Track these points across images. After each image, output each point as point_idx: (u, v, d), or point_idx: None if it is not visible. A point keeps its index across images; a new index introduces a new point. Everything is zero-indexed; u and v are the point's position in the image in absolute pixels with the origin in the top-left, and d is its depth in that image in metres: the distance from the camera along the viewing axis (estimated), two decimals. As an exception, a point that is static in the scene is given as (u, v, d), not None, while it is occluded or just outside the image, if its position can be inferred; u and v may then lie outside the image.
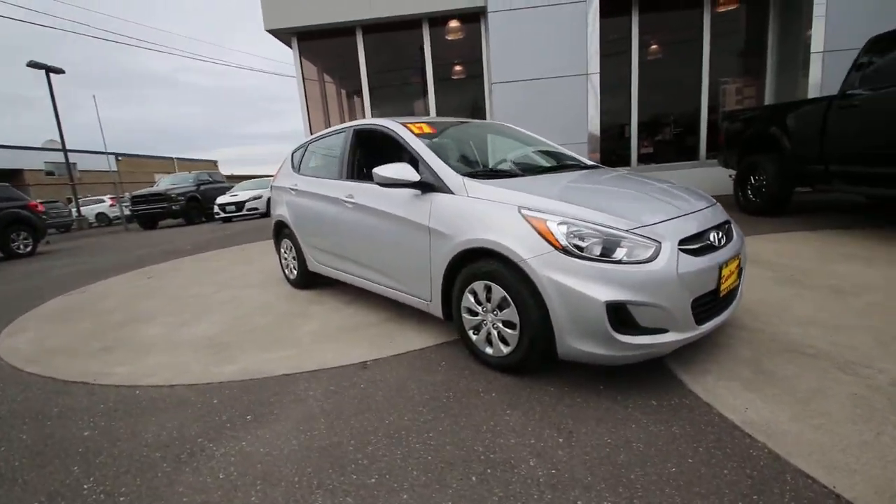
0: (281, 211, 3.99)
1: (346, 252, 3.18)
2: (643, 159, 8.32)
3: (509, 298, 1.99)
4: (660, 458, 1.48)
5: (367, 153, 3.29)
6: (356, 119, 4.14)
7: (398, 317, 3.05)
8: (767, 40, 7.80)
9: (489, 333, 2.16)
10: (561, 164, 3.01)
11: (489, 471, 1.49)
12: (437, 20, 7.98)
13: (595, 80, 7.26)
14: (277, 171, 4.27)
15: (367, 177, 2.75)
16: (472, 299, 2.19)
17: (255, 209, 13.19)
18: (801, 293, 2.81)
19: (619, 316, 1.75)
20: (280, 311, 3.45)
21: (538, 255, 1.85)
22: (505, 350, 2.09)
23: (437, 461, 1.56)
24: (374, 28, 8.04)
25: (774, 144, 5.28)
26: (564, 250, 1.81)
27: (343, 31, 8.06)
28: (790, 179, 5.19)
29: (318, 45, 8.41)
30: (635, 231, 1.82)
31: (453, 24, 8.03)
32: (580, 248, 1.80)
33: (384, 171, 2.45)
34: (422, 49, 8.07)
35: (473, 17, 7.91)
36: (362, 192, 2.94)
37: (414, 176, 2.42)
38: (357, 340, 2.73)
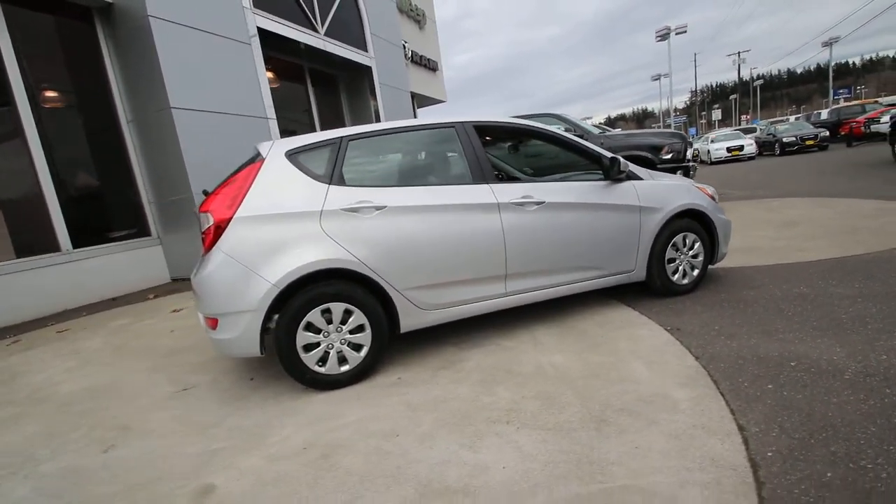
0: (333, 253, 2.23)
1: (522, 265, 2.69)
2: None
3: (698, 238, 3.20)
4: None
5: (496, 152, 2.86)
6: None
7: (539, 322, 3.00)
8: (343, 114, 10.46)
9: (683, 270, 3.20)
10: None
11: (839, 324, 2.86)
12: (18, -3, 4.87)
13: (273, 124, 7.14)
14: (245, 191, 2.20)
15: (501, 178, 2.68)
16: (673, 250, 3.13)
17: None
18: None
19: (726, 226, 3.50)
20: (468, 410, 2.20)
21: (710, 205, 3.24)
22: (695, 274, 3.25)
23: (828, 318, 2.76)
24: None
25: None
26: (715, 200, 3.32)
27: None
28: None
29: None
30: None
31: (50, 13, 5.16)
32: (715, 198, 3.38)
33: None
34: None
35: (85, 13, 5.44)
36: (547, 190, 2.77)
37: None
38: (602, 340, 2.67)
